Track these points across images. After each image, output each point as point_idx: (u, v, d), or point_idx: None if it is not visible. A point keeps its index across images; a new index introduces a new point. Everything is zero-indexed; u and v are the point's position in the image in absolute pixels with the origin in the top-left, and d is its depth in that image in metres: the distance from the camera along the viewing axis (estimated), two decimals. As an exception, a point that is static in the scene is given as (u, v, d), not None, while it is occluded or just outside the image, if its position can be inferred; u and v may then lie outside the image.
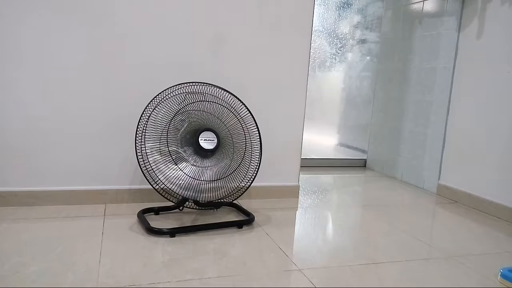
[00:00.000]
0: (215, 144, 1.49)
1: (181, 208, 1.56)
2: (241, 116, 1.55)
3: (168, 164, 1.46)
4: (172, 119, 1.46)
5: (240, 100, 1.55)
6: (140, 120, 1.46)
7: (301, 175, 1.95)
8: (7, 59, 1.49)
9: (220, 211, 1.65)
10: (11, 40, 1.49)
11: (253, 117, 1.57)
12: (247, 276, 1.13)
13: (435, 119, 2.31)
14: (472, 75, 2.09)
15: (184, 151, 1.49)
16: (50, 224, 1.42)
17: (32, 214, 1.50)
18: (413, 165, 2.48)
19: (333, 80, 2.95)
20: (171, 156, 1.47)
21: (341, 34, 2.83)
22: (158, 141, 1.46)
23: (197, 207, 1.56)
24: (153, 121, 1.46)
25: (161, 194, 1.51)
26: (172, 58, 1.67)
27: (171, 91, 1.49)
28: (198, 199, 1.51)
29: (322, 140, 3.03)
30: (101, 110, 1.62)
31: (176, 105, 1.47)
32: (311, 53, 1.89)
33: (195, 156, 1.50)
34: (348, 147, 3.03)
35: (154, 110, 1.46)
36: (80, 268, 1.10)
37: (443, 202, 2.14)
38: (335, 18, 2.80)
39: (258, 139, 1.57)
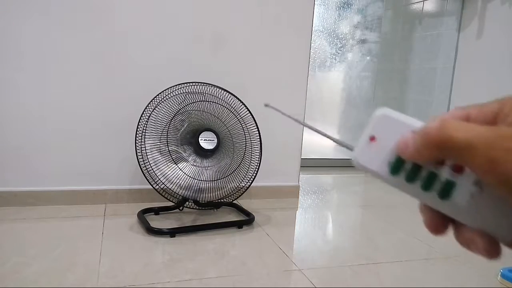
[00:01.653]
0: (215, 144, 1.49)
1: (181, 208, 1.56)
2: (241, 116, 1.55)
3: (168, 164, 1.46)
4: (172, 119, 1.46)
5: (240, 100, 1.55)
6: (140, 120, 1.46)
7: (301, 175, 1.95)
8: (7, 59, 1.49)
9: (220, 211, 1.65)
10: (11, 40, 1.49)
11: (253, 117, 1.57)
12: (247, 276, 1.13)
13: (435, 119, 2.30)
14: (472, 75, 2.09)
15: (184, 151, 1.49)
16: (50, 224, 1.42)
17: (32, 214, 1.50)
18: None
19: (333, 80, 2.95)
20: (171, 156, 1.47)
21: (341, 34, 2.83)
22: (158, 141, 1.46)
23: (197, 207, 1.56)
24: (153, 121, 1.46)
25: (161, 194, 1.51)
26: (172, 58, 1.67)
27: (171, 91, 1.49)
28: (198, 199, 1.51)
29: (322, 140, 3.03)
30: (101, 110, 1.62)
31: (176, 105, 1.47)
32: (311, 53, 1.89)
33: (195, 156, 1.50)
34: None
35: (154, 110, 1.46)
36: (80, 268, 1.10)
37: (443, 202, 2.14)
38: (335, 18, 2.80)
39: (258, 139, 1.57)
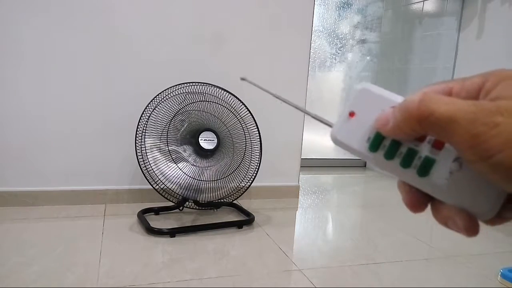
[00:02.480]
0: (215, 144, 1.49)
1: (181, 208, 1.56)
2: (241, 116, 1.55)
3: (168, 163, 1.46)
4: (172, 119, 1.46)
5: (240, 100, 1.55)
6: (140, 120, 1.46)
7: (301, 175, 1.95)
8: (7, 59, 1.49)
9: (220, 211, 1.66)
10: (11, 40, 1.49)
11: (253, 117, 1.57)
12: (247, 276, 1.13)
13: (435, 119, 2.30)
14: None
15: (184, 151, 1.49)
16: (50, 224, 1.42)
17: (32, 214, 1.50)
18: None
19: (333, 80, 2.95)
20: (171, 156, 1.47)
21: (341, 34, 2.83)
22: (158, 140, 1.46)
23: (197, 207, 1.56)
24: (153, 121, 1.46)
25: (161, 194, 1.51)
26: (172, 58, 1.67)
27: (171, 91, 1.49)
28: (198, 199, 1.51)
29: (322, 140, 3.03)
30: (101, 110, 1.62)
31: (176, 105, 1.47)
32: (311, 53, 1.89)
33: (195, 156, 1.50)
34: (348, 147, 3.03)
35: (154, 110, 1.46)
36: (80, 268, 1.10)
37: (443, 202, 2.14)
38: (335, 18, 2.80)
39: (258, 139, 1.57)
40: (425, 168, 0.24)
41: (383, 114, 0.25)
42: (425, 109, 0.21)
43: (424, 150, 0.24)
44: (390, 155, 0.25)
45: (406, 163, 0.24)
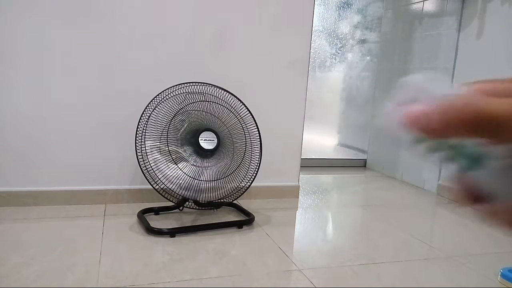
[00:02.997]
0: (215, 144, 1.49)
1: (181, 208, 1.56)
2: (241, 116, 1.55)
3: (168, 164, 1.46)
4: (172, 119, 1.46)
5: (240, 100, 1.55)
6: (140, 120, 1.46)
7: (301, 175, 1.95)
8: (7, 59, 1.49)
9: (220, 211, 1.66)
10: (11, 40, 1.49)
11: (253, 117, 1.57)
12: (247, 276, 1.13)
13: (435, 119, 2.30)
14: (472, 75, 2.09)
15: (184, 151, 1.49)
16: (50, 224, 1.42)
17: (32, 214, 1.50)
18: (413, 165, 2.48)
19: (333, 80, 2.94)
20: (171, 156, 1.47)
21: (341, 34, 2.83)
22: (158, 141, 1.46)
23: (197, 207, 1.56)
24: (153, 121, 1.46)
25: (161, 194, 1.51)
26: (172, 58, 1.67)
27: (171, 91, 1.49)
28: (198, 199, 1.51)
29: (322, 140, 3.03)
30: (101, 110, 1.62)
31: (176, 105, 1.47)
32: (311, 53, 1.89)
33: (195, 156, 1.50)
34: (348, 147, 3.03)
35: (154, 110, 1.46)
36: (80, 268, 1.10)
37: (443, 202, 2.14)
38: (335, 18, 2.80)
39: (258, 139, 1.57)
40: (475, 162, 0.23)
41: (425, 112, 0.23)
42: (473, 108, 0.20)
43: (474, 144, 0.23)
44: (437, 148, 0.24)
45: (453, 156, 0.24)
